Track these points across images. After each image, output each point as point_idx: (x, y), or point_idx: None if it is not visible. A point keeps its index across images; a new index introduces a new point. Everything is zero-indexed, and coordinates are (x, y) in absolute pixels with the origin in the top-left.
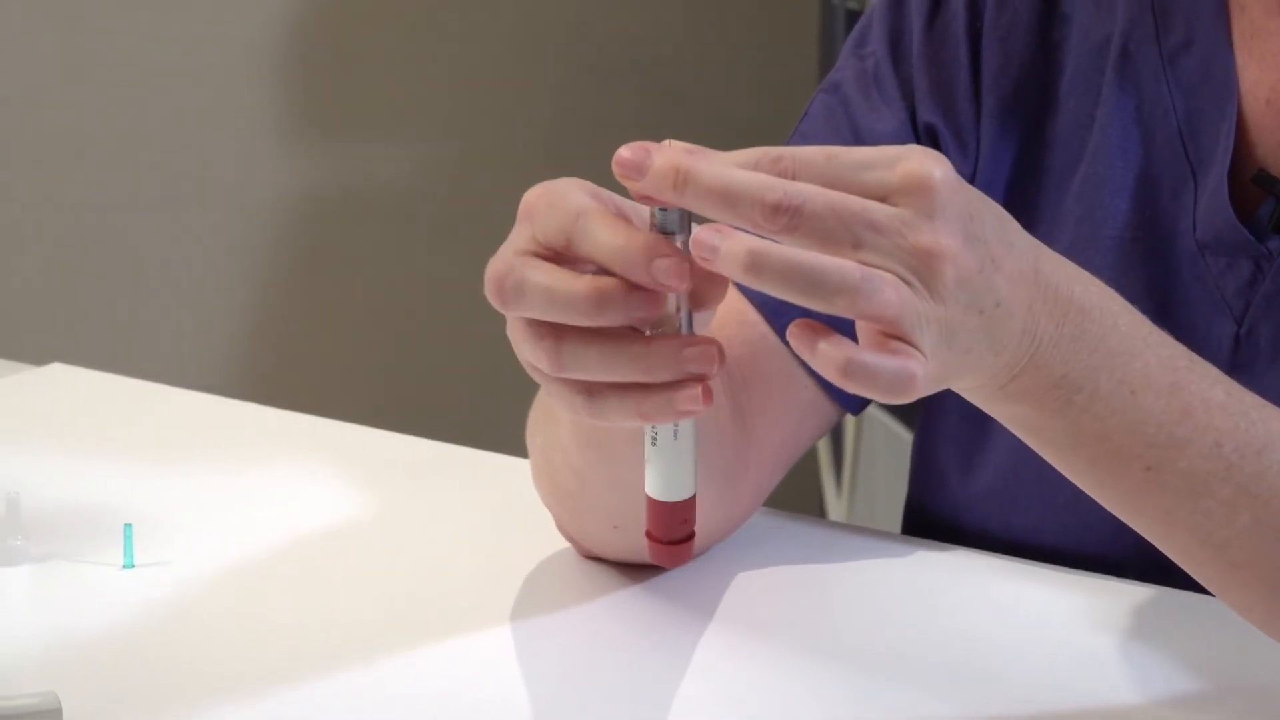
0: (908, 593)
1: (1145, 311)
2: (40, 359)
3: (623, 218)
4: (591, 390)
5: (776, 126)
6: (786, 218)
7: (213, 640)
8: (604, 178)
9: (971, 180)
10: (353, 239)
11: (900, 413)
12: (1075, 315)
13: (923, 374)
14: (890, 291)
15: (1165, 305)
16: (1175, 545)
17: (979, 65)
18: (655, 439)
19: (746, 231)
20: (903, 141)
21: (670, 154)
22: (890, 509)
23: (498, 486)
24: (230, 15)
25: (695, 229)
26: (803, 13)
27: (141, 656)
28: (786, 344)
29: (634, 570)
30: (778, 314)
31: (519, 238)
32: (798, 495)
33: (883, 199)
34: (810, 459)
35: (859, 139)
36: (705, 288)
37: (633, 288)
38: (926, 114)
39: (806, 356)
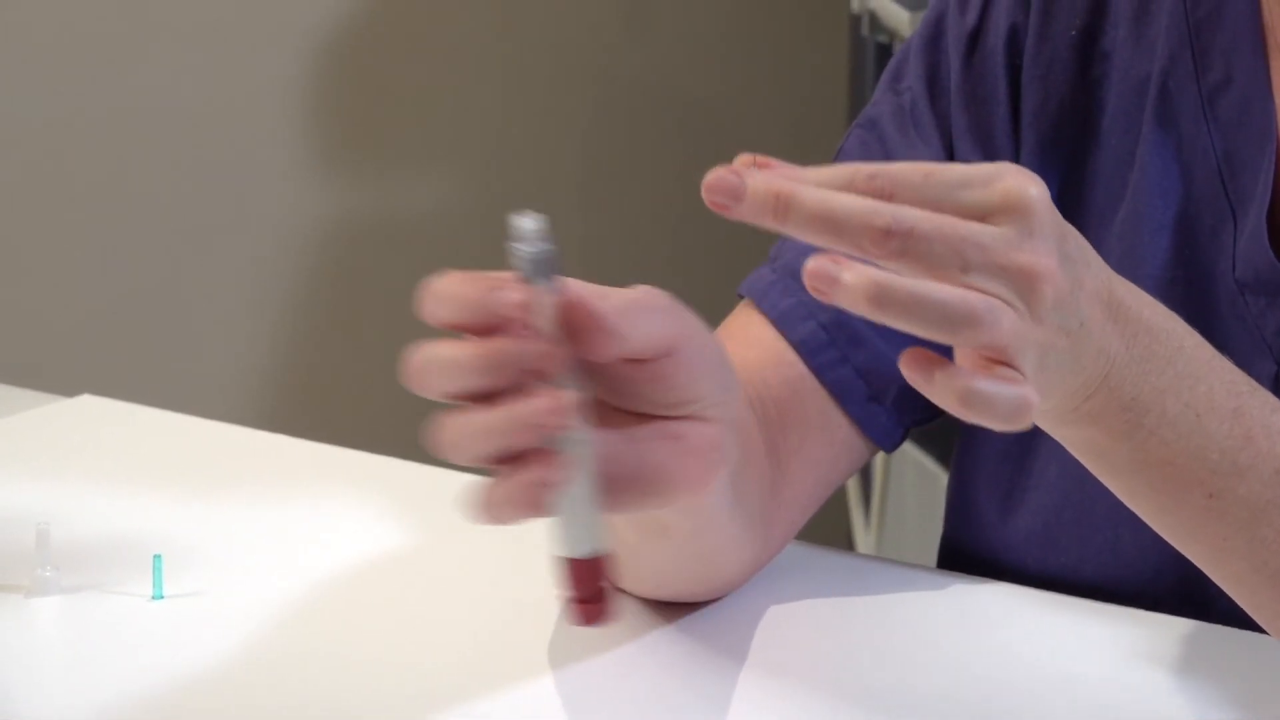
0: (945, 625)
1: None
2: (70, 390)
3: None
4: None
5: (804, 160)
6: (897, 242)
7: (242, 673)
8: (635, 211)
9: None
10: (386, 271)
11: (930, 447)
12: (1144, 336)
13: (1035, 399)
14: (1007, 320)
15: None
16: (1228, 573)
17: (1018, 102)
18: None
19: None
20: None
21: (767, 179)
22: (918, 542)
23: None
24: (264, 50)
25: (811, 259)
26: (832, 46)
27: (170, 688)
28: (824, 384)
29: (668, 606)
30: (815, 353)
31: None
32: (826, 528)
33: (981, 218)
34: (839, 492)
35: None
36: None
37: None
38: (965, 151)
39: (922, 386)
